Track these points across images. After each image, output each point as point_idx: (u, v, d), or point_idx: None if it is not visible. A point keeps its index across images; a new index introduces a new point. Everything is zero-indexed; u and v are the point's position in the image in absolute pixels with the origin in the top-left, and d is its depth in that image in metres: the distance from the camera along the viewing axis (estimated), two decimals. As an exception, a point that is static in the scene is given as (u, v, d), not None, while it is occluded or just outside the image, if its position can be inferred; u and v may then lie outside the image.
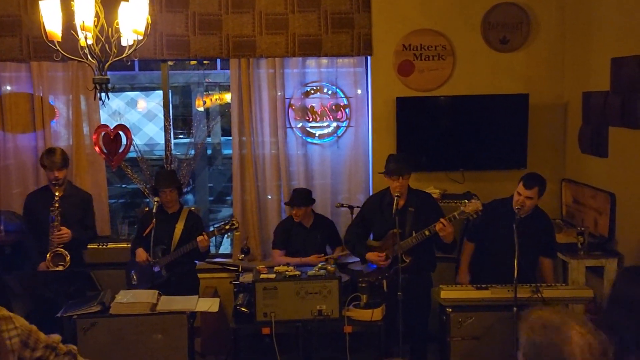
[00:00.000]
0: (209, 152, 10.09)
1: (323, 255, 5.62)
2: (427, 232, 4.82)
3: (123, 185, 9.68)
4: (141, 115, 10.37)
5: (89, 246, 5.85)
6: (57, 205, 5.17)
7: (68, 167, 5.41)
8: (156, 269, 5.28)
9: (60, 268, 5.12)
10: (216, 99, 9.99)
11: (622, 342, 2.48)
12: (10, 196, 6.28)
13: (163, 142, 6.63)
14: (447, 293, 4.64)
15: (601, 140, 5.48)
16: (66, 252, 5.19)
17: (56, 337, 2.79)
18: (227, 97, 9.42)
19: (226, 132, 10.10)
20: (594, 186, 5.62)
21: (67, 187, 5.37)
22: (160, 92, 9.05)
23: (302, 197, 5.71)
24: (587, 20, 5.80)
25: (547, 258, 5.01)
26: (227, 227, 5.26)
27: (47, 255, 5.16)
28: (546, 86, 6.29)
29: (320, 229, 5.78)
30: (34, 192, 5.70)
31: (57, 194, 5.19)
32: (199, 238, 5.21)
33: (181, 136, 9.30)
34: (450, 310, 4.58)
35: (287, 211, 6.20)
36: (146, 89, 10.51)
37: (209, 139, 7.35)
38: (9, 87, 6.27)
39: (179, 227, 5.44)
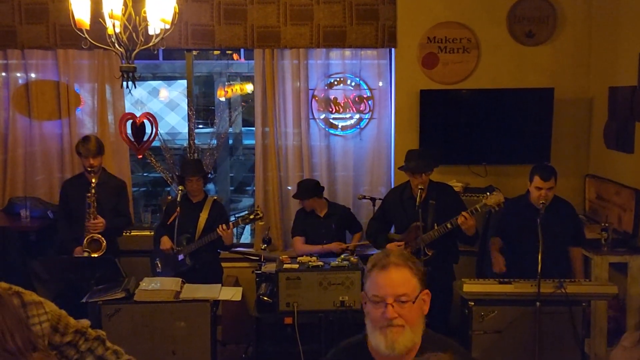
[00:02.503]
0: (230, 142, 10.11)
1: (344, 243, 5.62)
2: (449, 225, 4.81)
3: (144, 174, 9.75)
4: (163, 105, 10.41)
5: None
6: (93, 192, 5.21)
7: (103, 154, 5.43)
8: (180, 257, 5.32)
9: (86, 254, 5.15)
10: (237, 89, 10.00)
11: None
12: (35, 182, 6.35)
13: (184, 131, 6.67)
14: (470, 287, 4.62)
15: (627, 135, 5.43)
16: (102, 239, 5.23)
17: (85, 322, 2.82)
18: (248, 87, 9.43)
19: (247, 122, 10.11)
20: (618, 182, 5.58)
21: (102, 174, 5.39)
22: (182, 82, 9.07)
23: (306, 190, 5.70)
24: (614, 14, 5.74)
25: (575, 247, 5.00)
26: (252, 216, 5.28)
27: (84, 241, 5.20)
28: (572, 81, 6.23)
29: (335, 218, 5.77)
30: (70, 179, 5.75)
31: (92, 181, 5.23)
32: (219, 230, 5.23)
33: (201, 126, 9.32)
34: (473, 303, 4.56)
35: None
36: (169, 78, 10.54)
37: (230, 129, 7.37)
38: (35, 75, 6.33)
39: (204, 216, 5.46)
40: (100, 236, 5.23)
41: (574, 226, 5.02)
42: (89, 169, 5.29)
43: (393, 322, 2.19)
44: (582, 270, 5.03)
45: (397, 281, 2.22)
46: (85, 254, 5.14)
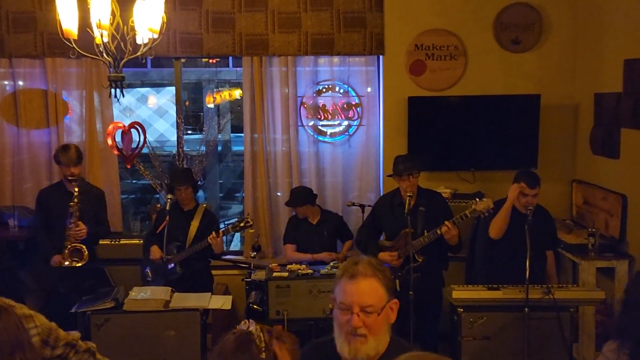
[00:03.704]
0: (219, 148, 10.12)
1: (334, 253, 5.63)
2: (438, 231, 4.84)
3: (133, 181, 9.72)
4: (152, 112, 10.40)
5: (101, 242, 5.87)
6: (76, 201, 5.18)
7: (82, 163, 5.43)
8: (170, 265, 5.30)
9: (74, 263, 5.13)
10: (225, 96, 10.00)
11: (637, 346, 2.49)
12: (23, 191, 6.32)
13: (173, 138, 6.66)
14: (459, 293, 4.65)
15: (613, 141, 5.48)
16: (84, 248, 5.21)
17: (75, 334, 2.81)
18: (237, 93, 9.44)
19: (236, 128, 10.13)
20: (605, 187, 5.63)
21: (80, 183, 5.36)
22: (171, 88, 9.06)
23: (299, 197, 5.71)
24: (599, 21, 5.80)
25: (549, 250, 5.06)
26: (242, 224, 5.26)
27: (65, 251, 5.17)
28: (558, 87, 6.28)
29: (327, 225, 5.78)
30: (47, 188, 5.70)
31: (75, 189, 5.20)
32: (210, 238, 5.23)
33: (189, 132, 9.32)
34: (462, 310, 4.59)
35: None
36: (157, 85, 10.53)
37: (219, 136, 7.40)
38: (22, 83, 6.31)
39: (195, 225, 5.45)
40: (82, 245, 5.21)
41: (551, 230, 5.08)
42: (70, 178, 5.26)
43: (357, 332, 2.24)
44: (555, 272, 5.12)
45: (364, 292, 2.26)
46: (74, 264, 5.12)
